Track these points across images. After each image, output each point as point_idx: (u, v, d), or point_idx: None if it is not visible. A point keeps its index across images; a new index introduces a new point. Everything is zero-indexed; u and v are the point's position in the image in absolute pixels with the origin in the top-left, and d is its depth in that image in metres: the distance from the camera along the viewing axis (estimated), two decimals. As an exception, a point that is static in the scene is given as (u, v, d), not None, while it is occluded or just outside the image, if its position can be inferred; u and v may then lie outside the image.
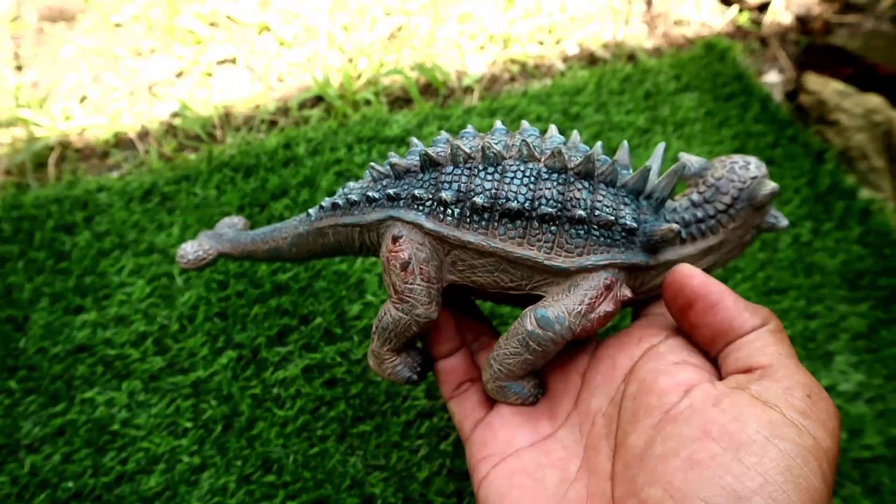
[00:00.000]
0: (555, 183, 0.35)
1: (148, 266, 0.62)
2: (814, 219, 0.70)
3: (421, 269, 0.36)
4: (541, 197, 0.35)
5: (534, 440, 0.36)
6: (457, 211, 0.36)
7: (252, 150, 0.70)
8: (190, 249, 0.44)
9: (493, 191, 0.35)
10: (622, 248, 0.35)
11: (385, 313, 0.38)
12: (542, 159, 0.36)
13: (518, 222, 0.35)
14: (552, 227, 0.35)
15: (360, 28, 0.85)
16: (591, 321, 0.35)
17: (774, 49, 0.90)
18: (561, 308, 0.35)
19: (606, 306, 0.35)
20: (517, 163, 0.36)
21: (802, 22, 0.93)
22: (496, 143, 0.37)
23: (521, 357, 0.36)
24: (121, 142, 0.75)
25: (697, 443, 0.28)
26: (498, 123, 0.39)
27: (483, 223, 0.35)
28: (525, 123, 0.38)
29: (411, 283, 0.36)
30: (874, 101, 0.74)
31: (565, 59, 0.86)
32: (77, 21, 0.87)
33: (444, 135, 0.39)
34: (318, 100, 0.79)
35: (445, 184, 0.36)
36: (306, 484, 0.52)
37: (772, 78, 0.87)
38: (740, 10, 0.93)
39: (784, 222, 0.40)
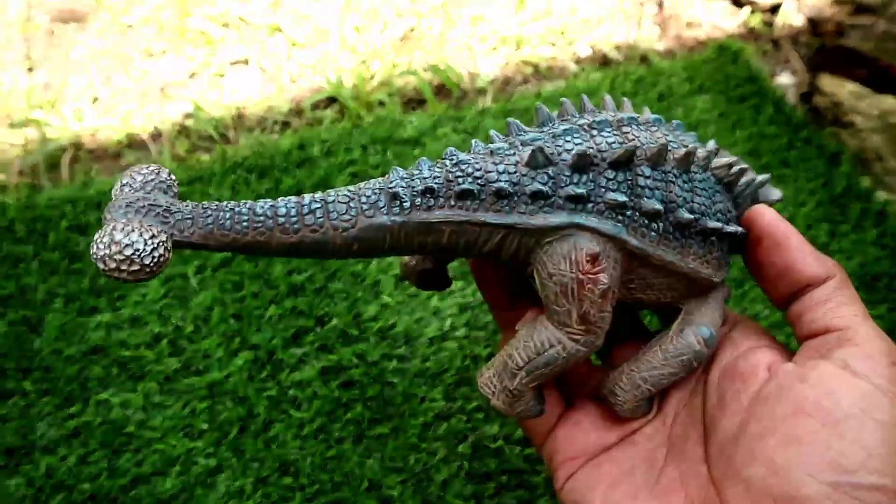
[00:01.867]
0: (723, 197, 0.33)
1: (162, 267, 0.62)
2: (829, 221, 0.69)
3: (614, 293, 0.30)
4: (717, 212, 0.32)
5: (622, 436, 0.36)
6: (661, 226, 0.30)
7: (266, 151, 0.70)
8: (142, 245, 0.24)
9: (692, 204, 0.31)
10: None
11: (550, 346, 0.30)
12: (711, 168, 0.33)
13: (710, 240, 0.32)
14: (723, 245, 0.33)
15: (372, 30, 0.85)
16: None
17: (786, 51, 0.90)
18: (712, 324, 0.33)
19: (724, 314, 0.35)
20: (699, 171, 0.32)
21: (814, 24, 0.92)
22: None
23: (677, 377, 0.34)
24: (133, 143, 0.75)
25: (792, 419, 0.28)
26: (639, 109, 0.34)
27: (681, 240, 0.31)
28: (647, 111, 0.34)
29: (605, 312, 0.30)
30: (890, 102, 0.74)
31: (578, 61, 0.85)
32: (88, 22, 0.87)
33: (610, 112, 0.32)
34: (332, 101, 0.78)
35: (647, 189, 0.29)
36: (324, 486, 0.51)
37: (784, 80, 0.87)
38: (752, 12, 0.93)
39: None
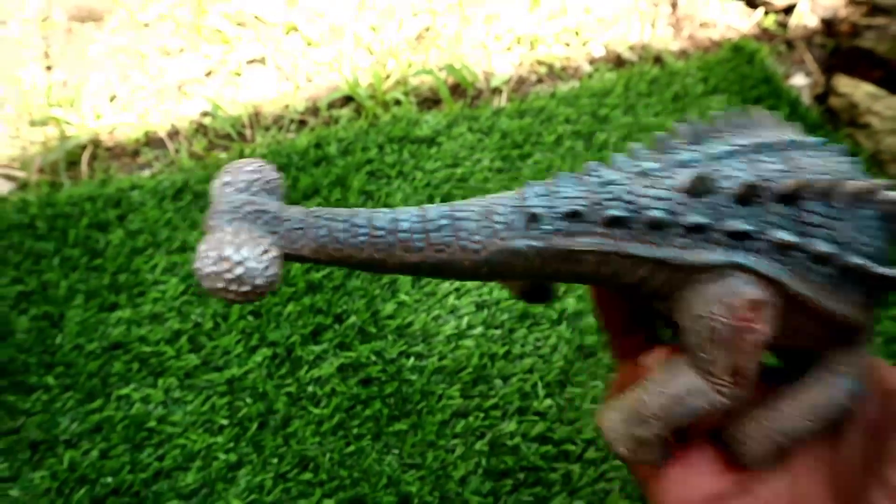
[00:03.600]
0: (883, 234, 0.28)
1: (181, 264, 0.62)
2: (845, 222, 0.69)
3: (767, 344, 0.26)
4: (880, 252, 0.27)
5: (740, 484, 0.32)
6: (827, 270, 0.25)
7: (283, 149, 0.70)
8: (254, 263, 0.21)
9: (859, 246, 0.26)
10: None
11: (693, 397, 0.26)
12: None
13: (870, 285, 0.27)
14: (882, 289, 0.28)
15: (388, 28, 0.85)
16: None
17: (801, 52, 0.90)
18: (859, 375, 0.29)
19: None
20: (865, 206, 0.27)
21: (828, 25, 0.92)
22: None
23: (816, 431, 0.29)
24: (151, 140, 0.76)
25: None
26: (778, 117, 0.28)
27: (845, 286, 0.26)
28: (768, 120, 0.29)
29: (756, 364, 0.26)
30: (905, 104, 0.74)
31: (592, 61, 0.86)
32: (105, 21, 0.87)
33: (768, 131, 0.28)
34: (348, 100, 0.79)
35: (814, 228, 0.25)
36: (343, 482, 0.52)
37: (798, 81, 0.87)
38: (766, 13, 0.93)
39: None
